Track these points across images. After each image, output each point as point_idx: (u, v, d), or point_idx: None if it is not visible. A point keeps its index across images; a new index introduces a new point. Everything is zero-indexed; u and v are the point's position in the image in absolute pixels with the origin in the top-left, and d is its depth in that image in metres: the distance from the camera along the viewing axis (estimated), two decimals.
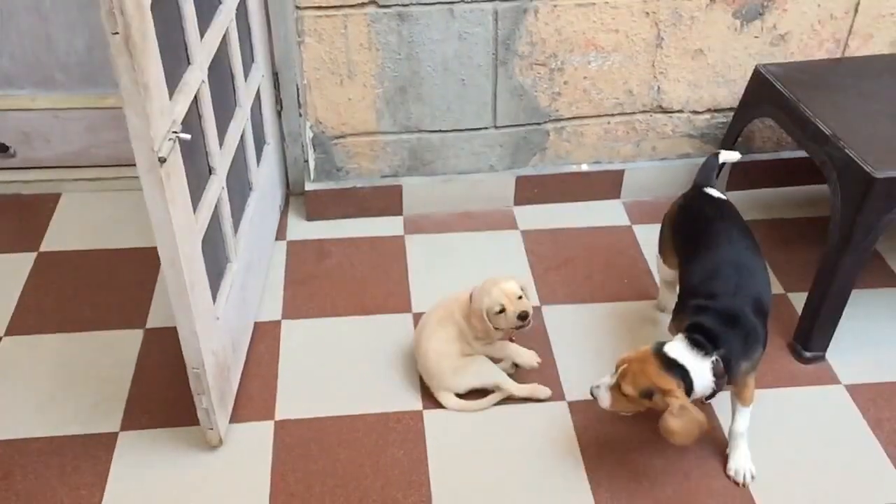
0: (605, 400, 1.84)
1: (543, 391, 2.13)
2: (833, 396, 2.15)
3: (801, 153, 2.64)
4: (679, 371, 1.76)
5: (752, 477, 1.95)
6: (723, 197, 2.11)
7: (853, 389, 2.17)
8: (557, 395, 2.16)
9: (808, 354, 2.24)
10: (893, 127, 2.21)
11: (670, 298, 2.20)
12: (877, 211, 2.03)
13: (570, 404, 2.13)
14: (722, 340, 1.79)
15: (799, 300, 2.32)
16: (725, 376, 1.79)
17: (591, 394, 1.86)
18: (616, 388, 1.80)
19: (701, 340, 1.78)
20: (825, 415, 2.11)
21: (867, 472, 1.98)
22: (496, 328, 2.01)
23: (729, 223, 2.02)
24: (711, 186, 2.13)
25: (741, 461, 1.96)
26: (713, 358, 1.77)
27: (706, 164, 2.19)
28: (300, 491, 1.93)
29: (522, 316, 1.98)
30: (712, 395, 1.82)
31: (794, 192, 2.85)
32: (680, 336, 1.82)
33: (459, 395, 2.11)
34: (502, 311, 1.98)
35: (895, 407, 2.12)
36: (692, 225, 2.05)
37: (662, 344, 1.80)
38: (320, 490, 1.93)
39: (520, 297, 2.00)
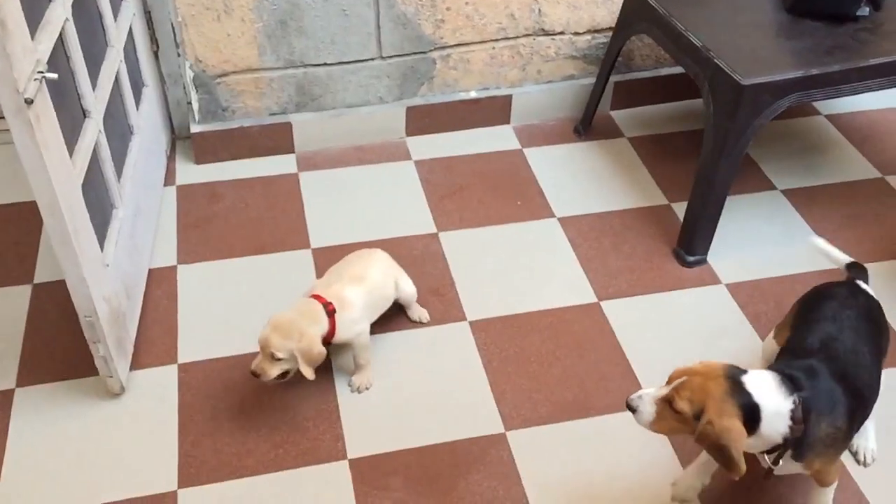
0: (646, 414, 1.52)
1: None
2: (715, 295, 2.29)
3: (679, 69, 2.74)
4: (748, 408, 1.47)
5: None
6: (873, 295, 1.81)
7: (733, 288, 2.31)
8: (459, 316, 2.22)
9: (690, 259, 2.36)
10: (761, 36, 2.31)
11: None
12: (746, 116, 2.14)
13: (472, 323, 2.20)
14: (810, 384, 1.53)
15: (681, 209, 2.44)
16: (802, 426, 1.50)
17: (628, 406, 1.54)
18: (665, 402, 1.50)
19: (792, 375, 1.53)
20: (710, 312, 2.24)
21: (749, 360, 2.12)
22: None
23: (867, 320, 1.74)
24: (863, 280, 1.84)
25: None
26: (794, 398, 1.49)
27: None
28: (209, 430, 1.93)
29: (252, 372, 1.89)
30: (780, 451, 1.53)
31: (673, 107, 2.96)
32: (769, 371, 1.55)
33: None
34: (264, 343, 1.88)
35: (769, 300, 2.27)
36: (826, 305, 1.76)
37: (742, 371, 1.52)
38: (230, 426, 1.94)
39: (276, 358, 1.85)
